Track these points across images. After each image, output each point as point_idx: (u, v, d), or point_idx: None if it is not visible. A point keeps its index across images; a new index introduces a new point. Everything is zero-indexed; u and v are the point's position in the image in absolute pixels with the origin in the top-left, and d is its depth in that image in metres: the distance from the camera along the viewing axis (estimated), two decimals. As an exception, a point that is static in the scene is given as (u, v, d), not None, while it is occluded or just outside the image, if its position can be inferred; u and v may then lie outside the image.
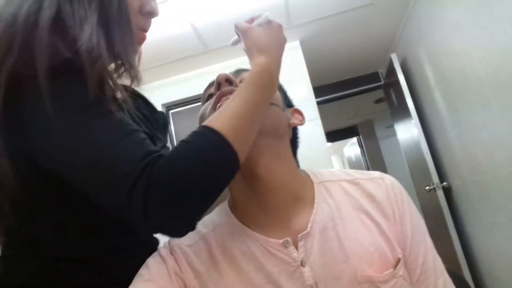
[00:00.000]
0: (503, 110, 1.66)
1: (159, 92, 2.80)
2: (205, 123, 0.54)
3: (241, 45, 0.69)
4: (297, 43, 2.71)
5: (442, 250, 2.66)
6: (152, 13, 0.68)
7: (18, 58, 0.50)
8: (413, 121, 2.69)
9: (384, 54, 3.27)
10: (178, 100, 2.80)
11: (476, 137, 2.00)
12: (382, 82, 3.58)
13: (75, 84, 0.52)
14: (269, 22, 0.67)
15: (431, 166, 2.57)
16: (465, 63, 1.93)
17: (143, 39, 0.68)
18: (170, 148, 0.60)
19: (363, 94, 3.73)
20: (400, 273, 0.60)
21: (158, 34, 2.25)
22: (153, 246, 0.71)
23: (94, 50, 0.53)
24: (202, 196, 0.50)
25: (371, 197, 0.67)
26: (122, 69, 0.59)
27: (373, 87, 3.64)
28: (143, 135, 0.53)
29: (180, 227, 0.52)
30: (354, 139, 6.37)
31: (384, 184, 0.68)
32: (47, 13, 0.53)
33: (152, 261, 0.62)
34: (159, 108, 2.75)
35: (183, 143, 0.52)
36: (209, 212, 0.72)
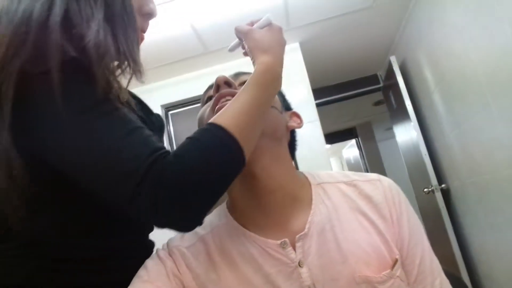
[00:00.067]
0: (502, 111, 1.67)
1: (158, 93, 2.80)
2: (211, 120, 0.55)
3: (240, 49, 0.71)
4: (296, 45, 2.71)
5: (440, 252, 2.68)
6: (150, 14, 0.69)
7: (29, 57, 0.51)
8: (412, 123, 2.69)
9: (383, 57, 3.28)
10: (178, 101, 2.80)
11: (475, 139, 2.00)
12: (381, 85, 3.58)
13: (82, 82, 0.52)
14: (269, 24, 0.68)
15: (429, 168, 2.57)
16: (464, 65, 1.93)
17: (141, 39, 0.69)
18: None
19: (362, 96, 3.73)
20: (398, 273, 0.61)
21: (158, 35, 2.25)
22: (151, 247, 0.72)
23: (101, 46, 0.54)
24: (209, 191, 0.51)
25: (368, 199, 0.67)
26: (126, 64, 0.59)
27: (372, 89, 3.64)
28: (148, 132, 0.54)
29: (188, 222, 0.53)
30: (353, 141, 6.37)
31: (381, 186, 0.69)
32: (57, 13, 0.54)
33: (150, 263, 0.62)
34: (159, 109, 2.75)
35: (190, 139, 0.52)
36: (208, 214, 0.72)
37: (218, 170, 0.52)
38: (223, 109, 0.57)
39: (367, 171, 5.65)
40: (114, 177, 0.49)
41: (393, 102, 3.15)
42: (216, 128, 0.53)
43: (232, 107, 0.56)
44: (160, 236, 0.74)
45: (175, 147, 0.52)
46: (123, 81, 0.60)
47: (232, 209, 0.69)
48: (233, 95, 0.63)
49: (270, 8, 2.21)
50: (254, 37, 0.65)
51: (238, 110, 0.55)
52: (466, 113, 2.05)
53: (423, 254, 0.65)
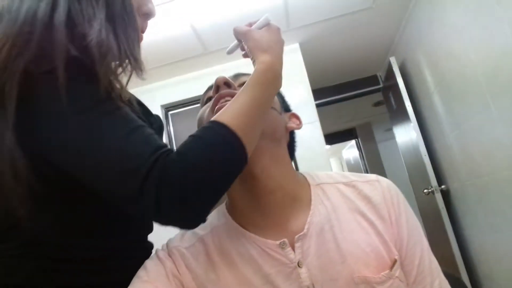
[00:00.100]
0: (502, 112, 1.67)
1: (158, 93, 2.80)
2: (213, 118, 0.55)
3: (239, 50, 0.71)
4: (296, 45, 2.72)
5: (440, 253, 2.68)
6: (149, 14, 0.69)
7: (33, 57, 0.51)
8: (411, 124, 2.70)
9: (383, 57, 3.28)
10: (178, 101, 2.81)
11: (475, 140, 2.00)
12: (381, 85, 3.59)
13: (84, 81, 0.53)
14: (268, 24, 0.68)
15: (429, 169, 2.58)
16: (464, 65, 1.94)
17: (140, 39, 0.69)
18: None
19: (362, 97, 3.74)
20: (397, 274, 0.61)
21: (158, 35, 2.25)
22: (150, 248, 0.72)
23: (103, 45, 0.54)
24: (212, 189, 0.52)
25: (367, 199, 0.67)
26: (127, 62, 0.59)
27: (372, 90, 3.65)
28: (150, 131, 0.54)
29: (191, 219, 0.53)
30: (353, 142, 6.37)
31: (380, 187, 0.69)
32: (62, 13, 0.54)
33: (150, 263, 0.62)
34: (159, 109, 2.76)
35: (193, 137, 0.53)
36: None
37: (221, 168, 0.52)
38: (225, 107, 0.57)
39: (367, 172, 5.65)
40: (117, 175, 0.49)
41: (393, 103, 3.15)
42: (219, 126, 0.53)
43: (234, 105, 0.56)
44: (159, 237, 0.74)
45: (175, 148, 0.52)
46: (124, 80, 0.60)
47: (232, 210, 0.69)
48: (232, 95, 0.64)
49: (270, 9, 2.22)
50: (253, 37, 0.65)
51: (240, 109, 0.56)
52: (466, 113, 2.05)
53: (422, 255, 0.65)
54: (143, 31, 0.70)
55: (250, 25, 0.70)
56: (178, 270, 0.62)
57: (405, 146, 3.27)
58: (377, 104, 4.67)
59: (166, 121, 2.82)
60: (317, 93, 3.10)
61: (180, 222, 0.53)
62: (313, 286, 0.59)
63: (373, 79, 3.67)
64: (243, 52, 0.72)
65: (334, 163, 8.88)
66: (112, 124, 0.52)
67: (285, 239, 0.61)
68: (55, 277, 0.56)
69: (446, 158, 2.52)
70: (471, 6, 1.74)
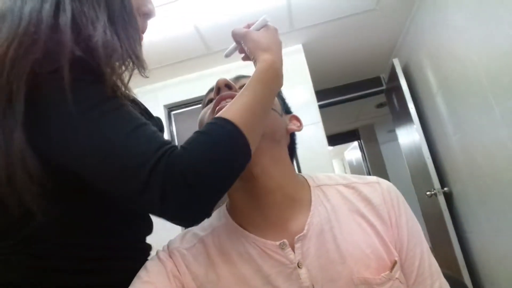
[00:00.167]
0: (505, 114, 1.66)
1: (161, 93, 2.81)
2: (218, 115, 0.56)
3: (237, 53, 0.72)
4: (299, 46, 2.71)
5: (442, 255, 2.67)
6: (149, 14, 0.70)
7: (39, 57, 0.51)
8: (414, 126, 2.69)
9: (386, 59, 3.27)
10: (180, 102, 2.81)
11: (478, 142, 2.00)
12: (384, 87, 3.58)
13: (89, 80, 0.53)
14: (265, 25, 0.69)
15: (432, 171, 2.57)
16: (467, 67, 1.93)
17: (140, 39, 0.70)
18: None
19: (365, 98, 3.74)
20: (397, 275, 0.61)
21: (161, 36, 2.26)
22: (148, 249, 0.72)
23: (109, 46, 0.55)
24: (218, 184, 0.52)
25: (367, 201, 0.67)
26: (129, 61, 0.60)
27: (375, 92, 3.65)
28: (154, 128, 0.55)
29: (196, 214, 0.54)
30: (355, 143, 6.37)
31: (380, 188, 0.69)
32: (67, 15, 0.55)
33: (151, 264, 0.63)
34: (161, 109, 2.76)
35: (198, 133, 0.54)
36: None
37: (227, 163, 0.53)
38: (229, 104, 0.58)
39: (369, 174, 5.65)
40: (123, 171, 0.50)
41: (396, 104, 3.15)
42: (224, 122, 0.54)
43: (238, 103, 0.57)
44: (159, 237, 0.74)
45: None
46: (127, 79, 0.61)
47: (232, 211, 0.70)
48: (233, 97, 0.64)
49: (273, 9, 2.22)
50: (253, 38, 0.66)
51: (244, 106, 0.56)
52: (468, 115, 2.04)
53: (422, 256, 0.65)
54: (143, 32, 0.70)
55: (249, 26, 0.70)
56: (178, 271, 0.62)
57: (407, 148, 3.26)
58: (380, 105, 4.67)
59: (169, 121, 2.83)
60: (320, 94, 3.10)
61: (184, 217, 0.54)
62: (313, 287, 0.59)
63: (376, 81, 3.67)
64: (242, 55, 0.73)
65: (336, 164, 8.87)
66: (117, 121, 0.52)
67: (285, 240, 0.61)
68: (55, 277, 0.56)
69: (449, 160, 2.51)
70: (474, 8, 1.74)
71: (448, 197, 2.56)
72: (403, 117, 3.03)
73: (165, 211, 0.51)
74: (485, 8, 1.65)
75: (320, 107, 2.73)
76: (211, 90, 0.76)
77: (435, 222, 2.70)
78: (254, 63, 0.65)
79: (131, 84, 0.63)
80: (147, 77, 0.63)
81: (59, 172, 0.54)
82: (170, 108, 2.85)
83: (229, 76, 0.77)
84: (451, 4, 1.96)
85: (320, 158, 2.48)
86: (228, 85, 0.70)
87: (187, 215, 0.53)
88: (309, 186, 0.70)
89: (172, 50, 2.46)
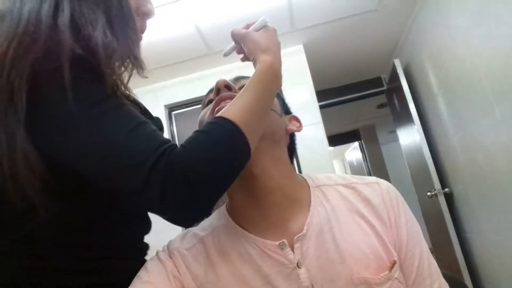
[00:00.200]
0: (506, 115, 1.66)
1: (162, 93, 2.81)
2: (218, 114, 0.56)
3: (235, 53, 0.73)
4: (300, 46, 2.71)
5: (443, 256, 2.67)
6: (148, 14, 0.70)
7: (40, 56, 0.52)
8: (415, 126, 2.69)
9: (387, 60, 3.27)
10: (181, 102, 2.81)
11: (479, 143, 2.00)
12: (385, 87, 3.58)
13: (89, 79, 0.54)
14: (265, 26, 0.70)
15: (433, 172, 2.57)
16: (468, 68, 1.93)
17: (140, 39, 0.70)
18: None
19: (365, 98, 3.74)
20: (396, 275, 0.61)
21: (162, 36, 2.26)
22: (146, 249, 0.72)
23: (109, 47, 0.55)
24: (218, 184, 0.53)
25: (366, 201, 0.68)
26: (128, 62, 0.61)
27: (376, 92, 3.65)
28: (154, 127, 0.55)
29: (196, 213, 0.54)
30: (356, 144, 6.36)
31: (379, 189, 0.69)
32: (65, 15, 0.56)
33: (151, 264, 0.63)
34: (162, 109, 2.76)
35: (198, 132, 0.54)
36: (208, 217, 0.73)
37: (226, 162, 0.53)
38: (229, 104, 0.59)
39: (370, 174, 5.64)
40: (123, 170, 0.50)
41: (397, 105, 3.15)
42: (225, 121, 0.54)
43: (237, 103, 0.58)
44: (158, 238, 0.75)
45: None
46: (125, 79, 0.61)
47: (232, 211, 0.70)
48: (232, 98, 0.65)
49: (274, 9, 2.22)
50: (252, 38, 0.67)
51: (243, 106, 0.57)
52: (469, 116, 2.04)
53: (422, 256, 0.65)
54: (142, 31, 0.71)
55: (248, 26, 0.71)
56: (178, 271, 0.62)
57: (408, 149, 3.26)
58: (381, 106, 4.67)
59: (170, 121, 2.83)
60: (321, 94, 3.10)
61: (184, 216, 0.54)
62: (313, 287, 0.59)
63: (377, 81, 3.66)
64: (241, 56, 0.73)
65: (337, 165, 8.86)
66: (117, 120, 0.53)
67: (284, 240, 0.62)
68: (55, 277, 0.56)
69: (450, 161, 2.51)
70: (476, 9, 1.74)
71: (449, 197, 2.56)
72: (404, 118, 3.03)
73: (165, 210, 0.51)
74: (487, 9, 1.65)
75: (321, 107, 2.72)
76: (210, 91, 0.76)
77: (436, 222, 2.70)
78: (253, 63, 0.65)
79: (131, 84, 0.64)
80: (146, 77, 0.63)
81: (59, 171, 0.55)
82: (170, 108, 2.85)
83: (230, 76, 0.77)
84: (452, 4, 1.96)
85: (321, 158, 2.48)
86: (227, 86, 0.71)
87: (187, 214, 0.53)
88: (309, 187, 0.71)
89: (173, 50, 2.46)
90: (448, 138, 2.42)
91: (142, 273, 0.61)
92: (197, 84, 2.79)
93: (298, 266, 0.60)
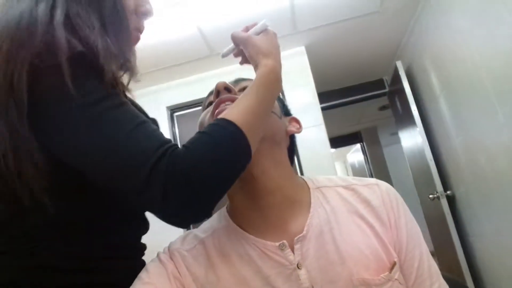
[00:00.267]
0: (508, 117, 1.66)
1: (164, 94, 2.82)
2: (220, 116, 0.57)
3: (232, 55, 0.75)
4: (302, 48, 2.72)
5: (445, 258, 2.66)
6: (146, 14, 0.71)
7: (38, 51, 0.52)
8: (417, 128, 2.69)
9: (390, 62, 3.27)
10: (183, 103, 2.82)
11: (481, 145, 1.99)
12: (387, 89, 3.58)
13: (90, 77, 0.54)
14: (265, 30, 0.70)
15: (435, 174, 2.57)
16: (470, 70, 1.93)
17: (137, 39, 0.71)
18: None
19: (367, 100, 3.74)
20: (396, 276, 0.61)
21: (164, 37, 2.27)
22: (143, 249, 0.72)
23: (108, 48, 0.56)
24: (219, 185, 0.53)
25: (366, 202, 0.68)
26: (120, 64, 0.61)
27: (377, 94, 3.65)
28: (154, 126, 0.55)
29: (196, 214, 0.54)
30: (358, 146, 6.35)
31: (379, 190, 0.70)
32: (60, 14, 0.56)
33: (152, 265, 0.63)
34: (164, 110, 2.77)
35: (201, 133, 0.54)
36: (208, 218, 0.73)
37: (228, 164, 0.53)
38: (231, 106, 0.59)
39: (372, 176, 5.63)
40: (124, 170, 0.50)
41: (399, 107, 3.14)
42: (227, 123, 0.55)
43: (240, 105, 0.58)
44: (158, 238, 0.75)
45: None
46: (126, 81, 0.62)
47: (232, 213, 0.70)
48: (232, 100, 0.66)
49: (276, 11, 2.22)
50: (254, 43, 0.67)
51: (245, 108, 0.57)
52: (471, 118, 2.04)
53: (421, 258, 0.65)
54: (140, 31, 0.71)
55: (247, 29, 0.71)
56: (179, 272, 0.63)
57: (410, 151, 3.26)
58: (383, 108, 4.66)
59: (171, 123, 2.83)
60: (323, 96, 3.10)
61: (184, 217, 0.54)
62: None
63: (379, 83, 3.67)
64: (240, 60, 0.75)
65: (338, 167, 8.85)
66: (118, 118, 0.53)
67: (285, 241, 0.62)
68: (55, 277, 0.56)
69: (452, 163, 2.51)
70: (477, 10, 1.74)
71: (451, 200, 2.55)
72: (406, 120, 3.03)
73: (166, 210, 0.51)
74: (489, 11, 1.65)
75: (323, 109, 2.73)
76: (211, 93, 0.77)
77: (438, 225, 2.69)
78: (254, 67, 0.66)
79: (132, 86, 0.64)
80: (138, 81, 0.64)
81: (60, 170, 0.55)
82: (172, 110, 2.85)
83: (232, 78, 0.77)
84: (454, 6, 1.96)
85: (323, 160, 2.47)
86: (227, 88, 0.71)
87: (187, 215, 0.54)
88: (309, 188, 0.71)
89: (175, 52, 2.47)
90: (450, 140, 2.41)
91: (143, 274, 0.61)
92: (199, 85, 2.79)
93: (298, 267, 0.60)
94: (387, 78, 3.60)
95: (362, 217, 0.66)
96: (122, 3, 0.64)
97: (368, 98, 3.68)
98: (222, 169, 0.52)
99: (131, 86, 0.64)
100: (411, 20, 2.59)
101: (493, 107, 1.76)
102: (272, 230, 0.64)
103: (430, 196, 2.61)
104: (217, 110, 0.67)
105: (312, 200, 0.68)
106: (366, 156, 6.04)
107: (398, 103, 3.15)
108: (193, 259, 0.64)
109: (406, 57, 2.96)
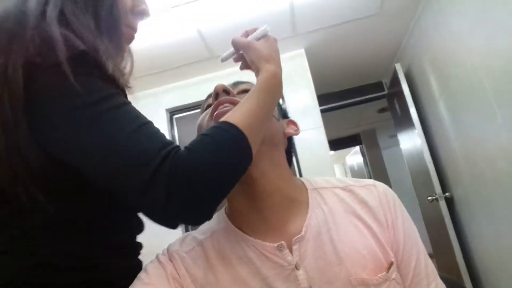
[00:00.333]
0: (507, 119, 1.66)
1: (163, 97, 2.83)
2: (222, 119, 0.58)
3: (231, 59, 0.75)
4: (302, 51, 2.72)
5: (444, 260, 2.66)
6: (143, 14, 0.71)
7: (37, 50, 0.52)
8: (416, 131, 2.69)
9: (389, 64, 3.28)
10: (182, 106, 2.82)
11: (480, 147, 2.00)
12: (386, 92, 3.59)
13: (91, 75, 0.54)
14: (265, 35, 0.71)
15: (433, 176, 2.57)
16: (469, 72, 1.93)
17: (132, 37, 0.72)
18: None
19: (366, 103, 3.75)
20: (393, 276, 0.62)
21: (164, 40, 2.27)
22: (139, 248, 0.72)
23: (108, 48, 0.56)
24: (221, 187, 0.54)
25: (363, 203, 0.69)
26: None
27: (377, 96, 3.66)
28: (156, 127, 0.56)
29: (198, 215, 0.55)
30: (357, 148, 6.36)
31: (376, 191, 0.71)
32: (52, 7, 0.57)
33: (151, 266, 0.64)
34: (163, 113, 2.78)
35: (203, 136, 0.55)
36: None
37: (230, 166, 0.54)
38: (233, 110, 0.60)
39: (371, 178, 5.62)
40: (125, 170, 0.50)
41: (398, 109, 3.15)
42: (229, 126, 0.55)
43: (242, 109, 0.59)
44: (158, 238, 0.75)
45: (181, 150, 0.53)
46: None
47: (231, 214, 0.71)
48: (231, 102, 0.68)
49: (276, 14, 2.23)
50: (256, 48, 0.68)
51: (247, 112, 0.58)
52: (470, 120, 2.04)
53: (418, 257, 0.66)
54: (135, 30, 0.72)
55: (247, 33, 0.72)
56: (178, 273, 0.63)
57: (409, 153, 3.26)
58: (382, 110, 4.67)
59: (171, 125, 2.83)
60: (322, 98, 3.11)
61: (186, 218, 0.55)
62: None
63: (378, 86, 3.67)
64: (240, 64, 0.76)
65: (338, 169, 8.86)
66: (119, 118, 0.53)
67: (283, 242, 0.62)
68: (55, 276, 0.56)
69: (450, 165, 2.51)
70: (477, 12, 1.75)
71: (450, 202, 2.56)
72: (405, 122, 3.03)
73: (168, 212, 0.51)
74: (489, 12, 1.66)
75: (322, 111, 2.73)
76: (209, 96, 0.77)
77: (436, 227, 2.70)
78: (255, 72, 0.67)
79: (132, 88, 0.65)
80: (130, 87, 0.64)
81: (57, 169, 0.55)
82: (172, 112, 2.86)
83: (231, 80, 0.78)
84: (454, 8, 1.96)
85: (322, 162, 2.48)
86: (226, 90, 0.72)
87: (188, 217, 0.54)
88: (307, 189, 0.72)
89: (174, 54, 2.47)
90: (449, 142, 2.42)
91: (142, 275, 0.62)
92: (198, 88, 2.80)
93: (296, 268, 0.61)
94: (386, 81, 3.61)
95: (359, 218, 0.67)
96: (118, 9, 0.64)
97: (367, 100, 3.68)
98: (224, 172, 0.53)
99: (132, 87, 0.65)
100: (411, 22, 2.60)
101: (492, 110, 1.76)
102: (270, 231, 0.65)
103: (429, 198, 2.62)
104: (215, 112, 0.68)
105: (310, 201, 0.69)
106: (365, 158, 6.05)
107: (397, 106, 3.16)
108: (192, 260, 0.65)
109: (406, 59, 2.97)
